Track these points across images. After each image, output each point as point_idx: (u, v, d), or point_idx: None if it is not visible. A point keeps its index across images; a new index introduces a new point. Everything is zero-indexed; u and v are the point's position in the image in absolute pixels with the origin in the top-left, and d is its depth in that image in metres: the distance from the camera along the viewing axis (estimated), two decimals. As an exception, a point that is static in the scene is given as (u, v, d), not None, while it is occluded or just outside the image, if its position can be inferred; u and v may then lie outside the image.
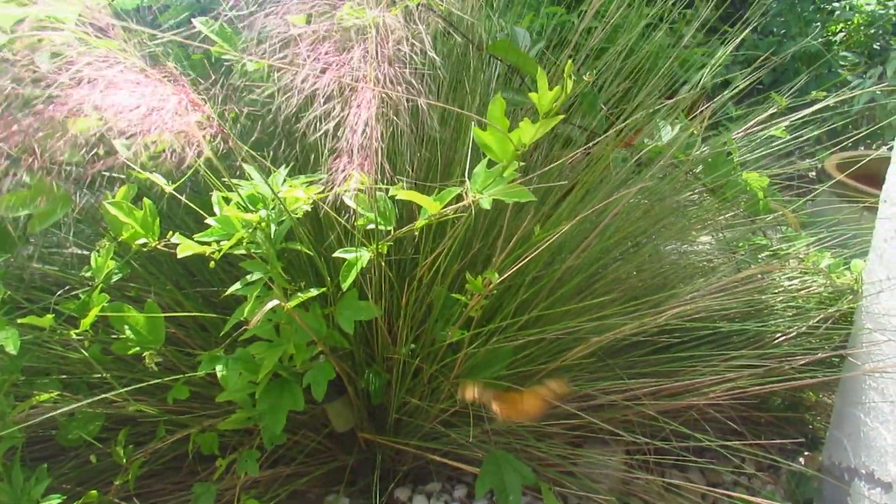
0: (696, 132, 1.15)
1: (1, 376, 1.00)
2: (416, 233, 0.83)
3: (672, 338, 1.20)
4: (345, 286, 0.88)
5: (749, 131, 1.24)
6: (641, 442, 1.18)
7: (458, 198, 0.79)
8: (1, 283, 1.01)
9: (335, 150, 0.74)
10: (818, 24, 2.22)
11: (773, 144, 1.26)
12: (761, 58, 1.41)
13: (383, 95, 0.72)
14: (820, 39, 2.16)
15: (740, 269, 1.23)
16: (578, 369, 1.17)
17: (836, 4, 2.28)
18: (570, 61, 0.72)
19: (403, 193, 0.78)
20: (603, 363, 1.18)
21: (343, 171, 0.73)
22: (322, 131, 0.73)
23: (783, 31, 2.29)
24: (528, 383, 1.10)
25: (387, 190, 0.80)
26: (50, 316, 0.95)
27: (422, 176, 0.86)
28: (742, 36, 1.42)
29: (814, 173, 2.07)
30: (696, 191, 1.22)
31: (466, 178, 0.80)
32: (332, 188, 0.79)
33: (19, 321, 0.96)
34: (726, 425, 1.33)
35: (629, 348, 1.21)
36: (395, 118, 0.74)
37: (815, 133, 1.35)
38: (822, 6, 2.28)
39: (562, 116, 0.72)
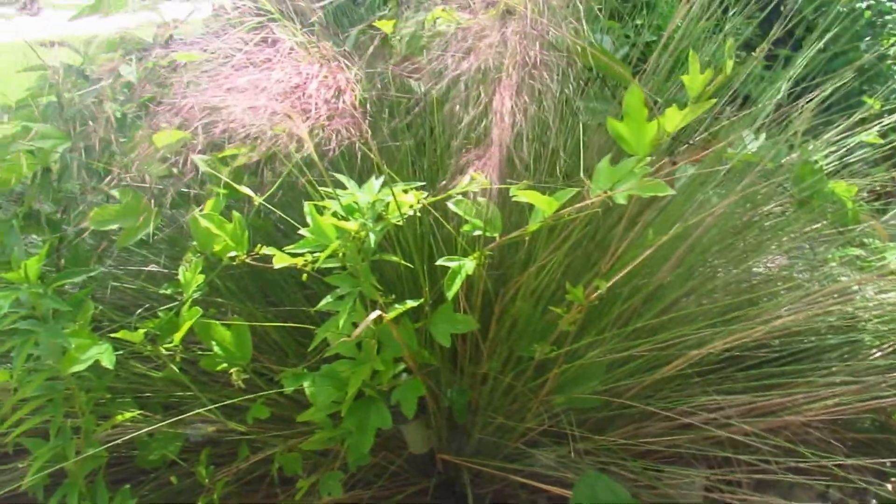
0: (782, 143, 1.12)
1: (87, 394, 0.98)
2: (526, 239, 0.80)
3: (762, 354, 1.16)
4: (449, 295, 0.85)
5: (836, 139, 1.22)
6: (731, 461, 1.13)
7: (575, 199, 0.77)
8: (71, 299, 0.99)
9: (466, 144, 0.72)
10: (870, 37, 2.20)
11: (858, 154, 1.23)
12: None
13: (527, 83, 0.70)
14: (875, 53, 2.14)
15: (828, 282, 1.19)
16: (670, 387, 1.12)
17: (888, 17, 2.26)
18: (730, 40, 0.70)
19: (522, 194, 0.75)
20: (694, 380, 1.14)
21: (472, 166, 0.71)
22: (462, 120, 0.71)
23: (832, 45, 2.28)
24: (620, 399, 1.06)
25: (506, 191, 0.78)
26: (141, 331, 0.93)
27: (539, 177, 0.84)
28: (807, 55, 1.40)
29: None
30: (781, 202, 1.19)
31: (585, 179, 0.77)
32: (444, 193, 0.76)
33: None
34: (814, 446, 1.28)
35: (719, 365, 1.17)
36: (535, 109, 0.72)
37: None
38: (874, 20, 2.27)
39: (714, 101, 0.69)
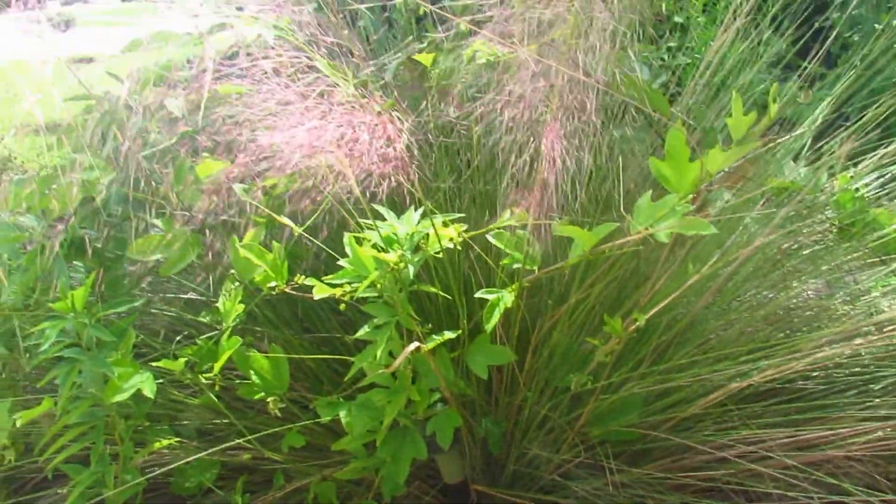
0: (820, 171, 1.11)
1: (126, 422, 0.99)
2: (565, 272, 0.80)
3: (803, 385, 1.14)
4: (488, 328, 0.85)
5: (876, 166, 1.20)
6: (772, 495, 1.10)
7: (615, 235, 0.77)
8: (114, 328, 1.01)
9: (513, 184, 0.73)
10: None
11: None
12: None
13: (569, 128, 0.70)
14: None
15: (872, 313, 1.17)
16: (708, 419, 1.10)
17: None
18: (776, 83, 0.70)
19: (563, 229, 0.75)
20: (733, 412, 1.11)
21: (516, 205, 0.71)
22: (511, 164, 0.72)
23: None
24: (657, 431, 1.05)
25: (548, 226, 0.78)
26: (182, 360, 0.94)
27: (578, 208, 0.84)
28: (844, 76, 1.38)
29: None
30: (821, 230, 1.17)
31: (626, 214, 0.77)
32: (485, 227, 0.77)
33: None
34: (857, 480, 1.24)
35: (759, 397, 1.14)
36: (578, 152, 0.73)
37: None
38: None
39: (758, 143, 0.69)
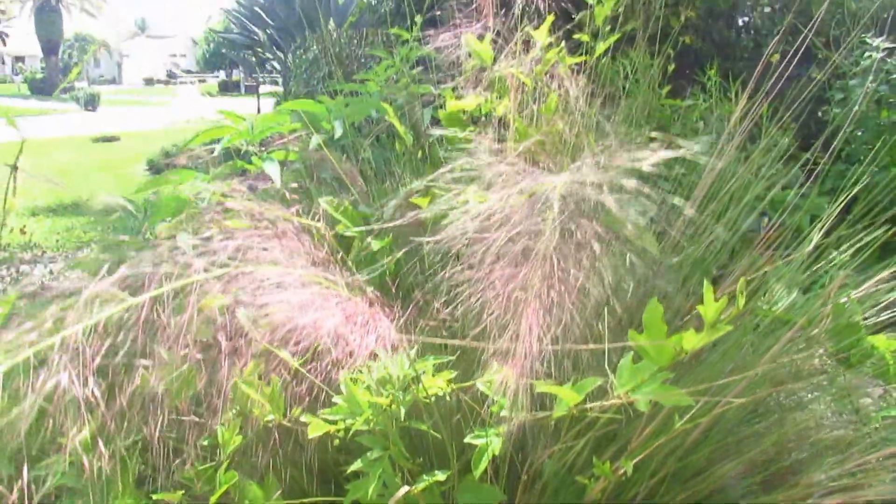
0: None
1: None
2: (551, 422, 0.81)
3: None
4: (476, 473, 0.86)
5: (868, 290, 1.20)
6: None
7: (600, 391, 0.78)
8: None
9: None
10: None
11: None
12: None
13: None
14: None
15: (877, 445, 1.14)
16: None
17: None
18: (743, 279, 0.73)
19: (545, 388, 0.77)
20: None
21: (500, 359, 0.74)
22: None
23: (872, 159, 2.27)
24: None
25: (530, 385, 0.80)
26: (180, 492, 0.96)
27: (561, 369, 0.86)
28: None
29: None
30: (820, 357, 1.17)
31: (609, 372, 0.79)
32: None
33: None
34: None
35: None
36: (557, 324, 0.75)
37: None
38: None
39: (730, 328, 0.71)
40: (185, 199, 1.16)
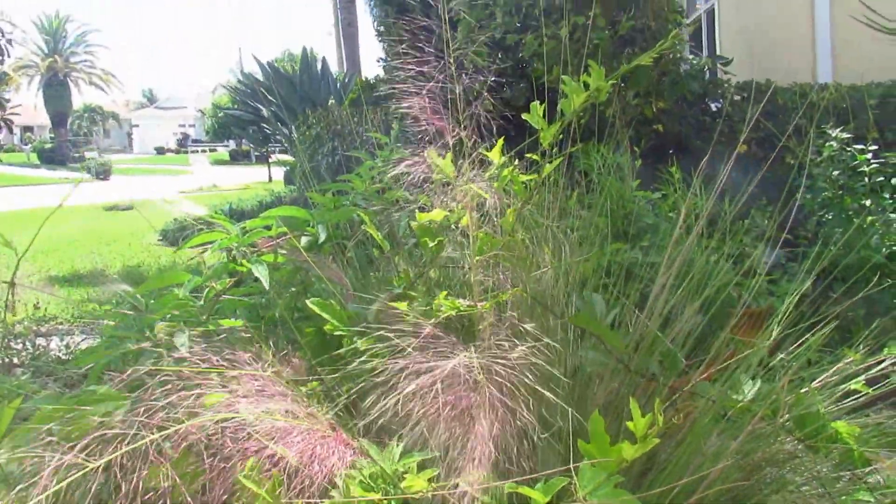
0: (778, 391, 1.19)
1: None
2: None
3: None
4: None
5: (828, 380, 1.27)
6: None
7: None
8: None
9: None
10: (878, 235, 2.29)
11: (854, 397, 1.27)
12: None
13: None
14: (884, 251, 2.21)
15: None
16: None
17: (892, 216, 2.36)
18: (658, 400, 0.81)
19: (517, 489, 0.84)
20: None
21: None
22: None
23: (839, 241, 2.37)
24: None
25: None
26: None
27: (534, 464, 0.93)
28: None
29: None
30: (789, 442, 1.23)
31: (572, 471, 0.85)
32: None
33: None
34: None
35: None
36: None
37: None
38: (880, 217, 2.37)
39: (658, 441, 0.79)
40: (185, 298, 1.27)
